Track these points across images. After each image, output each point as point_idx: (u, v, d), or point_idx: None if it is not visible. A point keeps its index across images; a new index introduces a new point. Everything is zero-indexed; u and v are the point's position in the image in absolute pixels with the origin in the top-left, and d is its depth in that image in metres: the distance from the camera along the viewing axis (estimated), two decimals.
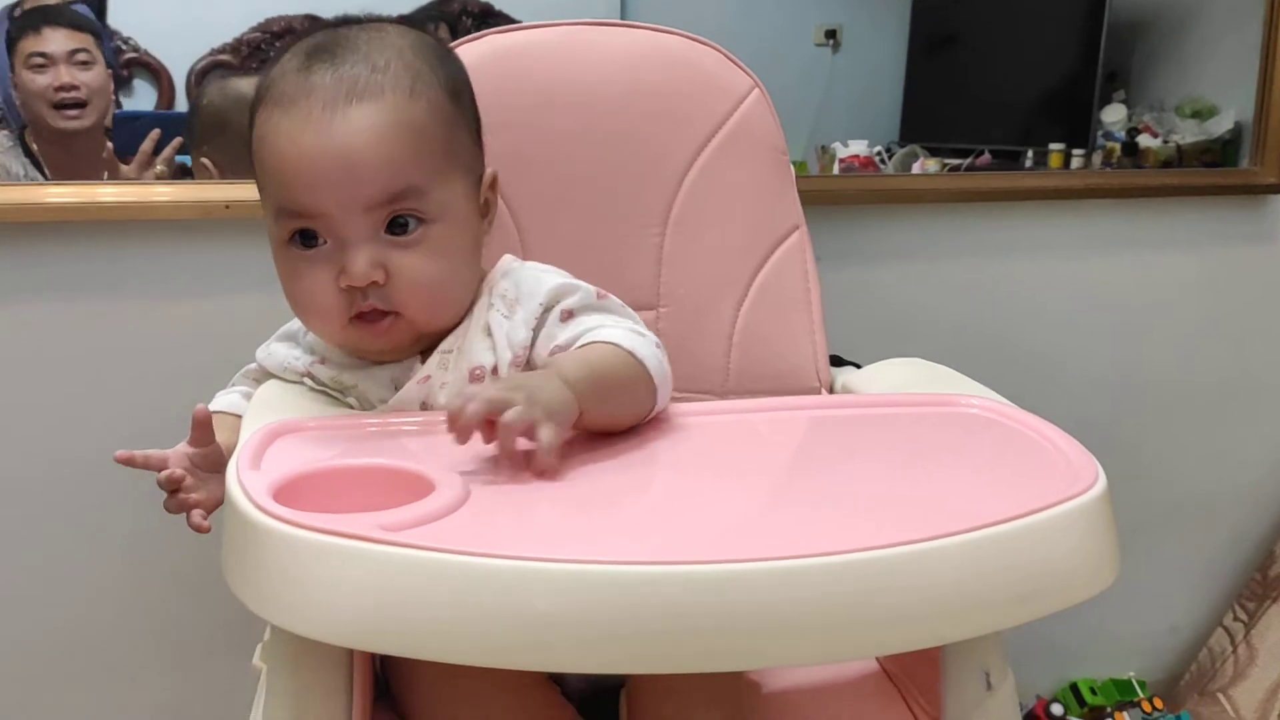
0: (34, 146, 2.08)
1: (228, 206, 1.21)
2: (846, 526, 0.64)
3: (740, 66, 1.04)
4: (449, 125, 0.82)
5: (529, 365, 0.84)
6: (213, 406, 0.91)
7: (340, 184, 0.77)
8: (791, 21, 4.18)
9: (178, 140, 1.82)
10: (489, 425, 0.68)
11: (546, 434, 0.68)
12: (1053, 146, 3.78)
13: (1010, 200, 1.54)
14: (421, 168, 0.79)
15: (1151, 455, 1.65)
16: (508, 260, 0.90)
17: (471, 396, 0.68)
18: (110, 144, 1.86)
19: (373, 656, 0.83)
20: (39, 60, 1.92)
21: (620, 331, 0.80)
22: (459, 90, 0.85)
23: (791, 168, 1.06)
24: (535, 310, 0.84)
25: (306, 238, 0.80)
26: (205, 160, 1.66)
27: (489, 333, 0.84)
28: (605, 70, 1.02)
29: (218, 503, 0.85)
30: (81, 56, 1.94)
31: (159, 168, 1.83)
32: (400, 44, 0.82)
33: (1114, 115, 3.89)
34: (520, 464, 0.69)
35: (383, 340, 0.83)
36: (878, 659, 0.93)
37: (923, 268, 1.53)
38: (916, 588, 0.59)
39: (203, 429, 0.84)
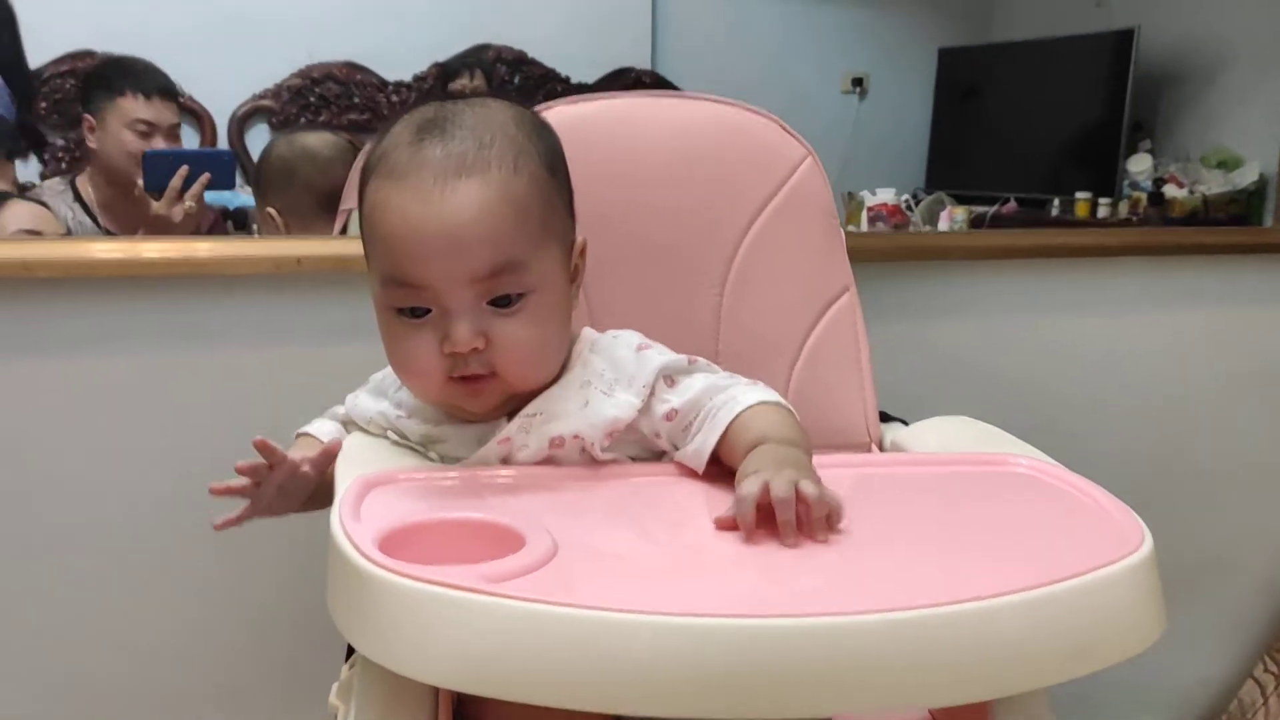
0: (84, 192, 2.18)
1: (299, 261, 1.26)
2: (911, 583, 0.69)
3: (794, 135, 1.10)
4: (547, 198, 0.87)
5: (623, 436, 0.89)
6: (307, 429, 0.97)
7: (447, 257, 0.82)
8: (819, 69, 4.26)
9: (206, 177, 1.88)
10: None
11: (811, 490, 0.74)
12: (1079, 195, 3.83)
13: (1048, 257, 1.58)
14: (522, 241, 0.84)
15: (1184, 510, 1.68)
16: (590, 334, 0.95)
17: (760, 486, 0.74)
18: (141, 181, 1.93)
19: (453, 696, 0.87)
20: (143, 127, 2.04)
21: (751, 391, 0.88)
22: (555, 163, 0.89)
23: (841, 231, 1.11)
24: (643, 390, 0.89)
25: (414, 313, 0.85)
26: (271, 211, 1.73)
27: (584, 407, 0.89)
28: (665, 139, 1.07)
29: (256, 515, 0.92)
30: (176, 131, 2.06)
31: (188, 204, 1.89)
32: (504, 119, 0.87)
33: (1140, 165, 3.94)
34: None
35: (479, 400, 0.88)
36: (930, 713, 0.97)
37: (961, 324, 1.56)
38: (976, 644, 0.64)
39: (328, 459, 0.89)
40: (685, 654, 0.62)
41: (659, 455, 0.91)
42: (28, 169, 3.30)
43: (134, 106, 2.07)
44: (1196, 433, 1.67)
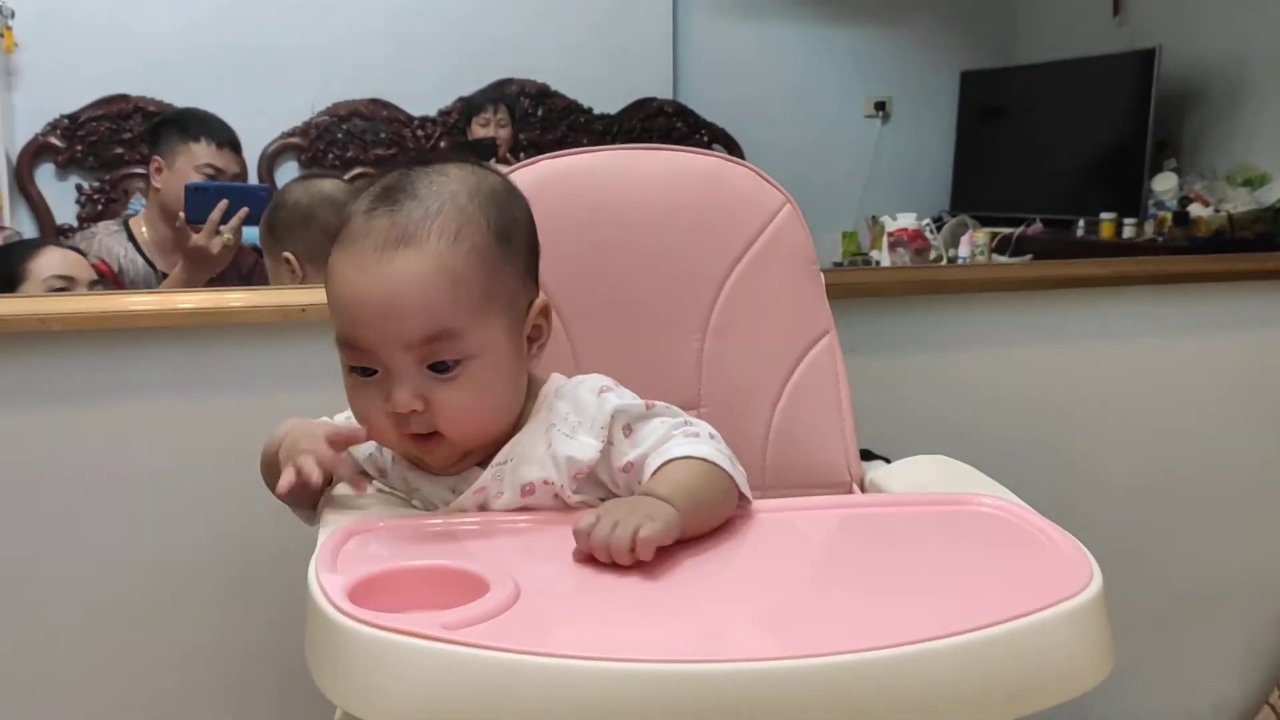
0: (138, 232, 2.28)
1: (304, 310, 1.30)
2: (851, 627, 0.71)
3: (772, 184, 1.13)
4: (491, 268, 0.89)
5: (590, 479, 0.92)
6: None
7: (383, 323, 0.86)
8: (841, 95, 4.29)
9: (244, 211, 1.95)
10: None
11: (644, 530, 0.78)
12: (1104, 215, 3.83)
13: (1047, 289, 1.58)
14: (457, 310, 0.87)
15: (1196, 536, 1.68)
16: (557, 379, 0.97)
17: (614, 524, 0.79)
18: (182, 214, 2.00)
19: None
20: (210, 172, 2.18)
21: (688, 445, 0.89)
22: (508, 231, 0.92)
23: (821, 276, 1.13)
24: (601, 433, 0.91)
25: (364, 371, 0.89)
26: (288, 255, 1.77)
27: (549, 450, 0.92)
28: (647, 190, 1.11)
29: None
30: (239, 181, 2.19)
31: (226, 236, 1.96)
32: (456, 189, 0.91)
33: (1165, 184, 3.92)
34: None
35: (434, 458, 0.92)
36: None
37: (958, 357, 1.57)
38: (915, 685, 0.66)
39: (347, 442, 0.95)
40: (644, 701, 0.65)
41: None
42: (65, 212, 3.42)
43: (205, 152, 2.22)
44: (1212, 459, 1.67)
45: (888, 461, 1.13)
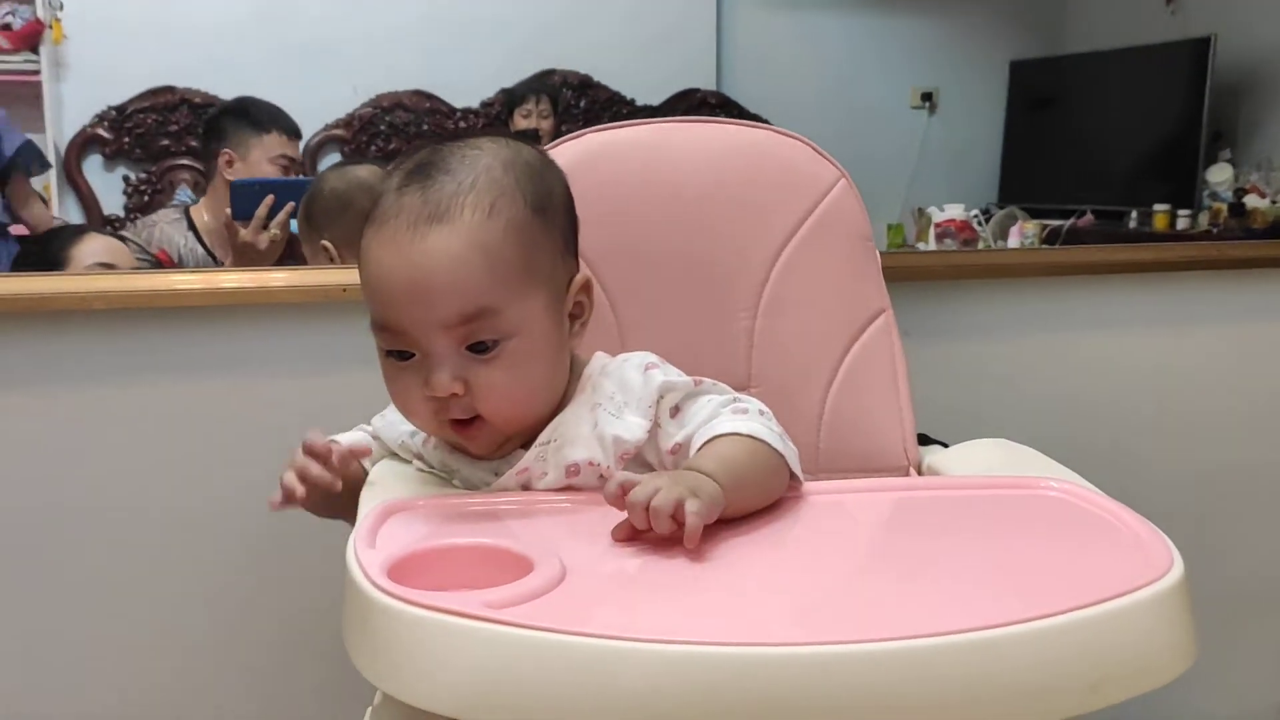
0: (198, 220, 2.31)
1: (345, 290, 1.28)
2: (922, 612, 0.67)
3: (827, 158, 1.09)
4: (528, 242, 0.86)
5: (637, 460, 0.88)
6: (340, 438, 0.97)
7: (417, 305, 0.83)
8: (887, 85, 4.23)
9: (290, 205, 1.95)
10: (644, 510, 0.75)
11: (691, 505, 0.74)
12: (1157, 207, 3.75)
13: (1104, 274, 1.54)
14: (495, 288, 0.83)
15: (1254, 531, 1.63)
16: (602, 357, 0.94)
17: (653, 491, 0.74)
18: (229, 209, 2.00)
19: None
20: (285, 162, 2.24)
21: (735, 421, 0.85)
22: (545, 205, 0.88)
23: (877, 253, 1.10)
24: (649, 411, 0.88)
25: (401, 355, 0.86)
26: (326, 243, 1.76)
27: (595, 430, 0.88)
28: (696, 164, 1.07)
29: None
30: (303, 172, 2.24)
31: (273, 231, 1.96)
32: (491, 162, 0.87)
33: (1220, 175, 3.84)
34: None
35: (476, 444, 0.88)
36: None
37: (1014, 343, 1.53)
38: (988, 674, 0.62)
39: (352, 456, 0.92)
40: (686, 683, 0.61)
41: None
42: (112, 202, 3.44)
43: (277, 143, 2.30)
44: (1265, 452, 1.61)
45: (945, 446, 1.08)
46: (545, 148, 0.99)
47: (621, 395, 0.89)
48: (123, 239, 2.41)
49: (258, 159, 2.27)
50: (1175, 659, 0.67)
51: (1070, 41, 4.29)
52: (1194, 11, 3.87)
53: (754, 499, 0.83)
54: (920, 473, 1.06)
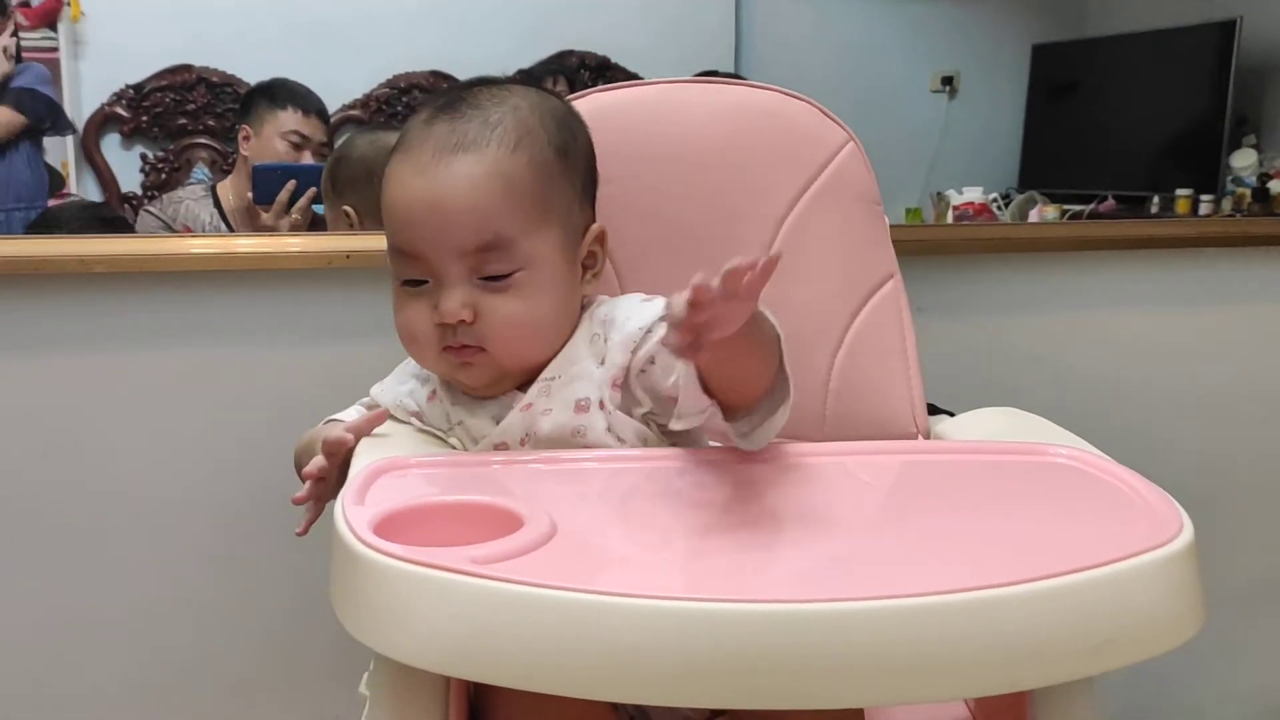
0: (223, 198, 2.31)
1: (349, 256, 1.27)
2: (925, 571, 0.65)
3: (834, 120, 1.06)
4: (548, 180, 0.87)
5: (625, 384, 0.88)
6: (336, 416, 0.97)
7: (435, 228, 0.85)
8: (907, 69, 4.19)
9: (312, 190, 1.94)
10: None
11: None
12: (1180, 192, 3.70)
13: (1121, 249, 1.51)
14: (512, 218, 0.85)
15: (1274, 516, 1.60)
16: (600, 297, 0.95)
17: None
18: (250, 194, 1.99)
19: (468, 690, 0.86)
20: (296, 139, 2.22)
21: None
22: (568, 149, 0.90)
23: (885, 218, 1.07)
24: (635, 334, 0.87)
25: (415, 283, 0.87)
26: (348, 208, 1.74)
27: (599, 364, 0.88)
28: (702, 125, 1.05)
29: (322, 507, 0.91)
30: (324, 150, 2.21)
31: (294, 216, 1.95)
32: (519, 103, 0.89)
33: (1244, 160, 3.79)
34: None
35: (469, 374, 0.89)
36: (969, 709, 0.93)
37: (1030, 319, 1.51)
38: (989, 633, 0.60)
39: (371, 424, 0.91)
40: (682, 640, 0.59)
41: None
42: (130, 180, 3.44)
43: (290, 119, 2.28)
44: None
45: (952, 415, 1.06)
46: None
47: (613, 317, 0.90)
48: (150, 214, 2.42)
49: (269, 135, 2.27)
50: (1181, 625, 0.65)
51: (1093, 25, 4.24)
52: None
53: (750, 359, 0.78)
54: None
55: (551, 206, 0.88)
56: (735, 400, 0.80)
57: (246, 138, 2.30)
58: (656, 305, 0.89)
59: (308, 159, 2.29)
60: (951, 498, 0.81)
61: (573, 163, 0.91)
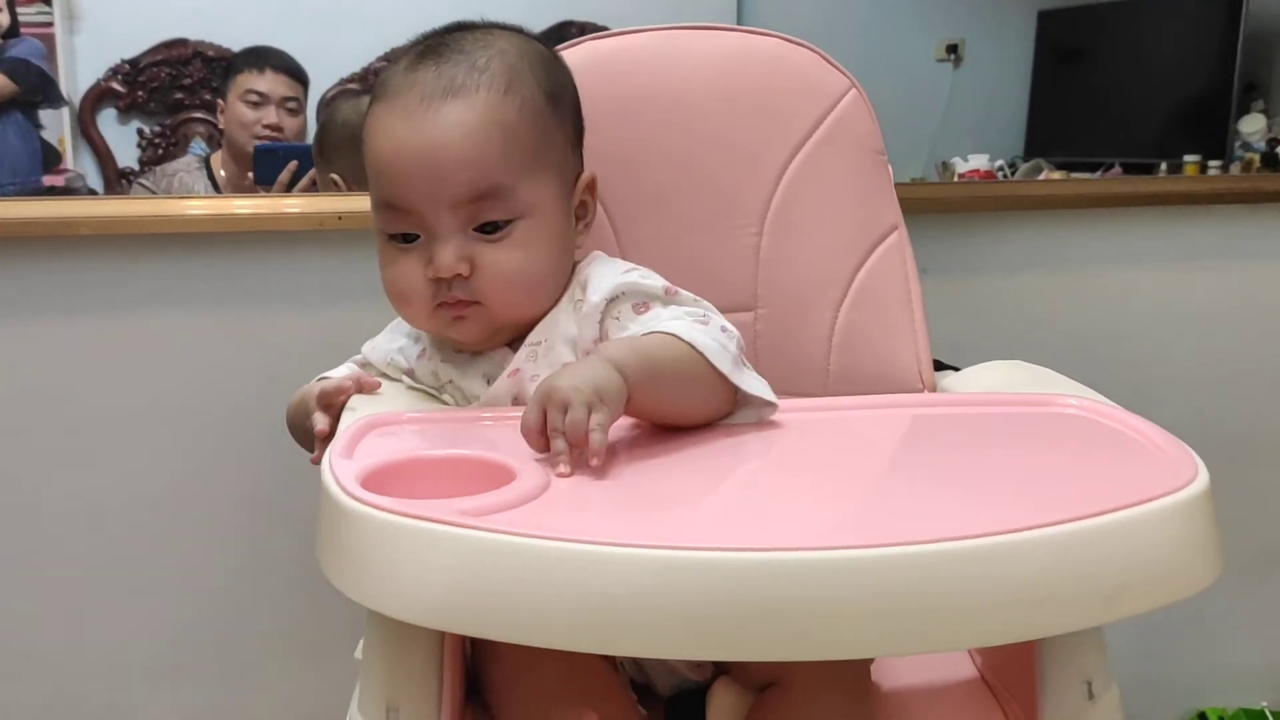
0: (216, 171, 2.27)
1: (340, 218, 1.24)
2: (934, 518, 0.63)
3: (837, 67, 1.04)
4: (541, 126, 0.84)
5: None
6: (327, 375, 0.94)
7: (427, 179, 0.80)
8: (911, 38, 4.14)
9: (314, 171, 1.90)
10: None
11: (596, 418, 0.68)
12: (1188, 159, 3.66)
13: (1128, 205, 1.48)
14: (509, 166, 0.81)
15: None
16: (595, 254, 0.92)
17: (531, 407, 0.69)
18: (251, 174, 1.96)
19: (463, 651, 0.84)
20: (255, 98, 2.18)
21: (680, 324, 0.79)
22: (558, 94, 0.87)
23: (889, 168, 1.04)
24: (600, 304, 0.85)
25: (404, 239, 0.84)
26: (335, 177, 1.71)
27: (575, 322, 0.86)
28: (700, 72, 1.02)
29: None
30: (291, 105, 2.17)
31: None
32: (505, 46, 0.85)
33: (1253, 125, 3.74)
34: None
35: (463, 329, 0.85)
36: (976, 666, 0.91)
37: (1036, 278, 1.48)
38: (1002, 579, 0.58)
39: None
40: (683, 590, 0.57)
41: None
42: (126, 155, 3.41)
43: (248, 79, 2.25)
44: None
45: (957, 370, 1.04)
46: None
47: (588, 285, 0.87)
48: (143, 187, 2.39)
49: (233, 101, 2.23)
50: (1197, 572, 0.63)
51: None
52: None
53: (668, 402, 0.76)
54: None
55: (546, 153, 0.84)
56: (695, 421, 0.78)
57: (222, 111, 2.30)
58: (621, 273, 0.86)
59: (271, 116, 2.23)
60: (960, 449, 0.78)
61: (563, 110, 0.87)
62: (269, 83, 2.23)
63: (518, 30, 0.89)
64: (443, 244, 0.82)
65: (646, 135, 1.01)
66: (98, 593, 1.32)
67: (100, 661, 1.33)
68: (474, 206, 0.81)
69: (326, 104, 3.47)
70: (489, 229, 0.82)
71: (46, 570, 1.30)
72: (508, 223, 0.82)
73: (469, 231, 0.82)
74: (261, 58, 2.27)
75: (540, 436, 0.69)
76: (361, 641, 0.92)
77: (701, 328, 0.80)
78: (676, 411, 0.77)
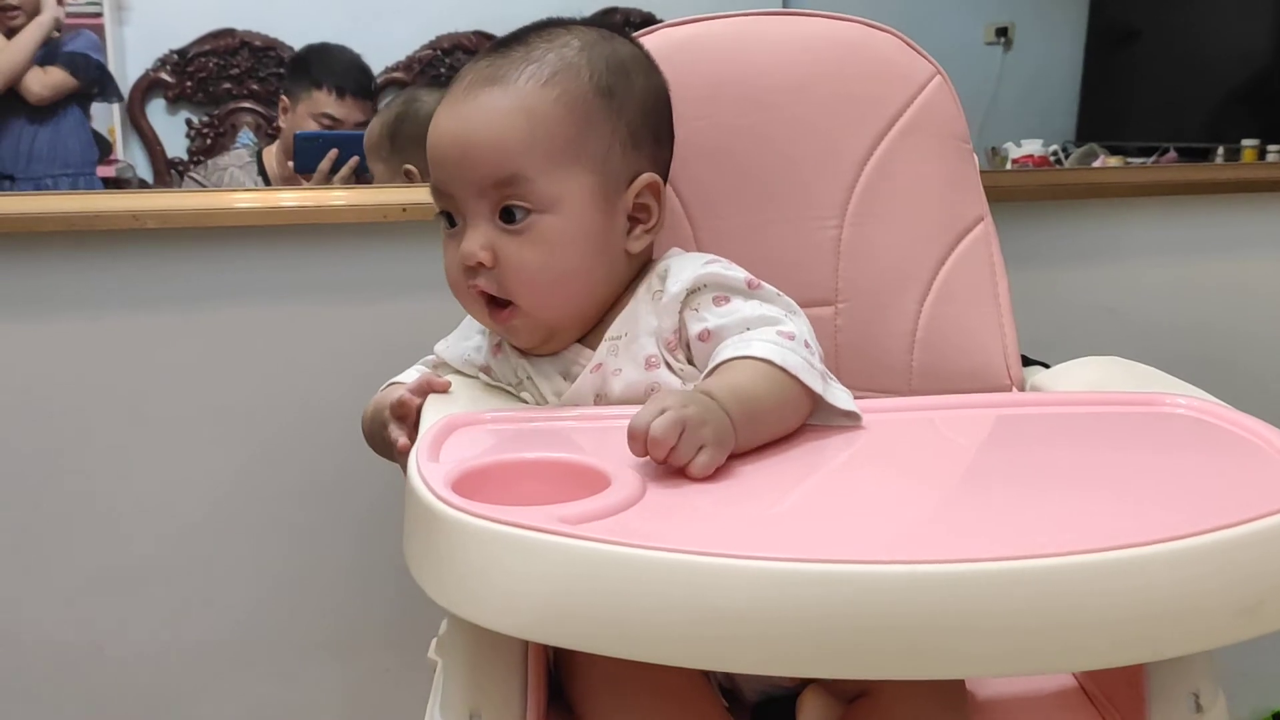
0: (268, 165, 2.27)
1: (405, 209, 1.23)
2: (1046, 529, 0.60)
3: (921, 53, 1.00)
4: (581, 119, 0.82)
5: (687, 345, 0.84)
6: (398, 379, 0.93)
7: (456, 163, 0.82)
8: (961, 19, 4.07)
9: (355, 160, 1.89)
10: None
11: (704, 457, 0.67)
12: (1245, 142, 3.59)
13: (1200, 193, 1.44)
14: (532, 155, 0.80)
15: None
16: (672, 250, 0.90)
17: (655, 415, 0.67)
18: (291, 162, 1.95)
19: (546, 657, 0.82)
20: (328, 122, 2.17)
21: (769, 346, 0.77)
22: (616, 89, 0.84)
23: (975, 157, 1.01)
24: (680, 294, 0.83)
25: (450, 221, 0.85)
26: (409, 168, 1.70)
27: (655, 314, 0.84)
28: (778, 59, 0.99)
29: None
30: (360, 126, 2.16)
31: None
32: (571, 40, 0.84)
33: None
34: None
35: (512, 332, 0.85)
36: (1076, 678, 0.88)
37: (1107, 268, 1.44)
38: (1127, 597, 0.55)
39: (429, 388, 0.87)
40: (781, 603, 0.55)
41: None
42: (175, 145, 3.43)
43: (325, 101, 2.19)
44: None
45: (1046, 366, 1.00)
46: None
47: (667, 275, 0.85)
48: (194, 181, 2.39)
49: (302, 113, 2.20)
50: None
51: None
52: None
53: (765, 438, 0.75)
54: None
55: (582, 148, 0.82)
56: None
57: (285, 110, 2.26)
58: (704, 265, 0.84)
59: None
60: (1060, 452, 0.75)
61: (620, 106, 0.84)
62: (345, 109, 2.21)
63: (609, 32, 0.88)
64: (471, 231, 0.82)
65: (724, 123, 0.98)
66: (158, 588, 1.31)
67: (158, 657, 1.32)
68: (496, 193, 0.81)
69: (373, 95, 3.49)
70: (508, 217, 0.81)
71: (110, 566, 1.29)
72: (527, 214, 0.81)
73: (495, 220, 0.82)
74: (343, 79, 2.24)
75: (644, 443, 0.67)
76: (434, 641, 0.91)
77: (789, 344, 0.78)
78: (769, 439, 0.76)
